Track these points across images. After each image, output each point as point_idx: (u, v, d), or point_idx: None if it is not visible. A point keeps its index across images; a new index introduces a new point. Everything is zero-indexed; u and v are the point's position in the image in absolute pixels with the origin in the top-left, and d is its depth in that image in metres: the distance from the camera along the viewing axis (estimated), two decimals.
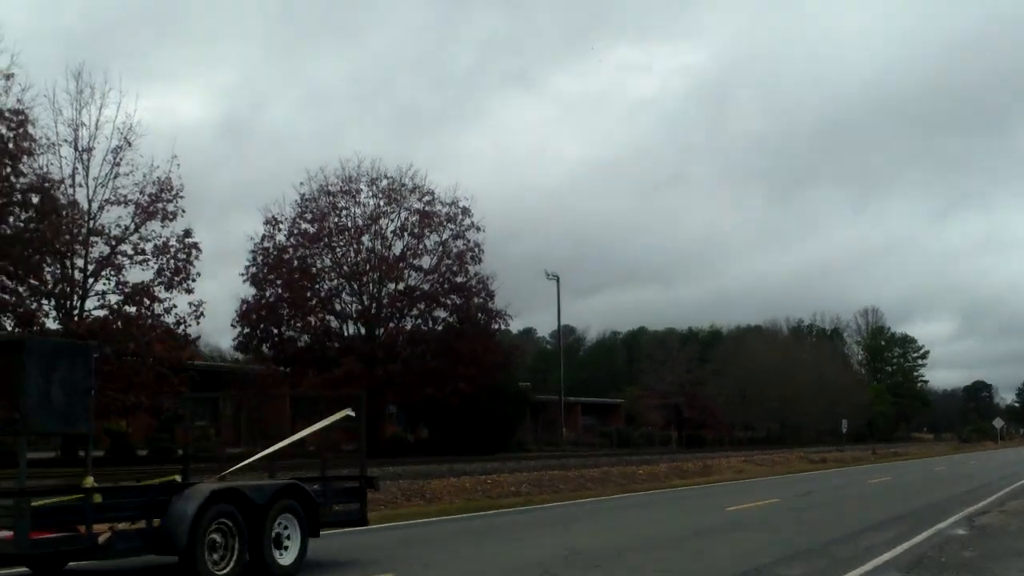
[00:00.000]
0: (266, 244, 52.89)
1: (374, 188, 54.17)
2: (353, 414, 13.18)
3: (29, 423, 9.11)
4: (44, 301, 40.65)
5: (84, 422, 9.70)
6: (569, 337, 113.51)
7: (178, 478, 12.56)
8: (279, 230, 53.34)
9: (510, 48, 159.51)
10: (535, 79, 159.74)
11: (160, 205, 42.18)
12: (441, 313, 55.73)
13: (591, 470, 36.87)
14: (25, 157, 37.30)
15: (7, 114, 36.08)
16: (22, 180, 37.38)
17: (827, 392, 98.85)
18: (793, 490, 31.06)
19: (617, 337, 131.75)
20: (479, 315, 55.49)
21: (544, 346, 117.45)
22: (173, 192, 42.33)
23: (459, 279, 54.98)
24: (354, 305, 54.72)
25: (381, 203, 54.20)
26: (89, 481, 9.71)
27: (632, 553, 14.66)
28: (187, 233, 42.84)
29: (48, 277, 40.27)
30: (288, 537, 11.75)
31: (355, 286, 54.33)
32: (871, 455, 69.38)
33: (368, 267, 53.80)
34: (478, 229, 55.11)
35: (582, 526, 19.51)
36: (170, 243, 42.46)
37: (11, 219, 37.28)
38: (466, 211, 54.88)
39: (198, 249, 42.99)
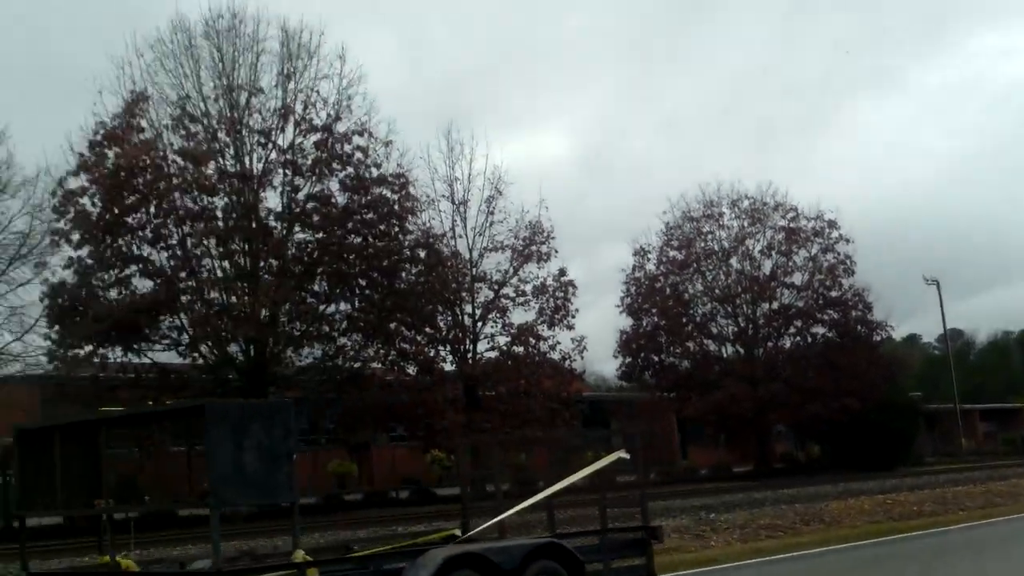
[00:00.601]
0: (637, 274, 51.59)
1: (736, 209, 51.53)
2: (627, 456, 10.51)
3: (218, 496, 7.44)
4: (440, 347, 41.22)
5: (286, 491, 7.88)
6: (957, 341, 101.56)
7: (458, 532, 10.56)
8: (648, 259, 51.89)
9: (861, 47, 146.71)
10: (890, 76, 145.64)
11: (534, 248, 41.99)
12: (819, 329, 52.20)
13: (998, 483, 32.20)
14: (409, 216, 38.07)
15: (390, 179, 36.93)
16: (409, 237, 38.17)
17: None
18: None
19: (1010, 337, 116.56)
20: (859, 328, 51.25)
21: (931, 352, 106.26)
22: (545, 235, 41.99)
23: (833, 293, 51.18)
24: (730, 327, 52.35)
25: (745, 224, 51.43)
26: (300, 555, 7.89)
27: None
28: (562, 272, 42.36)
29: (441, 325, 40.81)
30: None
31: (729, 309, 51.91)
32: None
33: (740, 289, 51.30)
34: (847, 241, 51.09)
35: (994, 554, 16.66)
36: (547, 283, 42.10)
37: (403, 274, 38.09)
38: (832, 224, 51.02)
39: (574, 287, 42.36)
